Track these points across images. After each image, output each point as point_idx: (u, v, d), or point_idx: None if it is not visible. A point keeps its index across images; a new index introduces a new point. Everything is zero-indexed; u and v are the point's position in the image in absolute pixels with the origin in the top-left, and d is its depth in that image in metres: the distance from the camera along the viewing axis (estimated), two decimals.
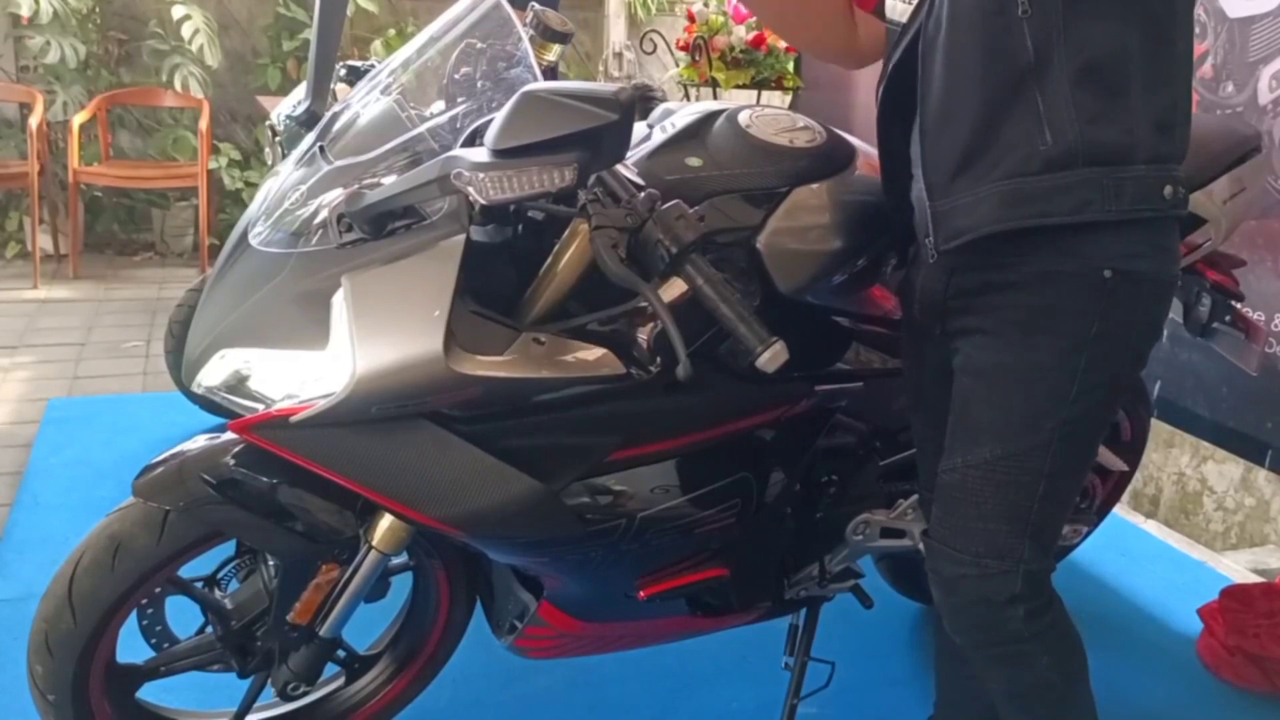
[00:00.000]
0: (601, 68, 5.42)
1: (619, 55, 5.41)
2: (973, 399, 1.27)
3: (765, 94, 4.21)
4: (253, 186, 4.91)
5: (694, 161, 1.41)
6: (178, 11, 4.58)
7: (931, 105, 1.21)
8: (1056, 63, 1.12)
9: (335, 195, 1.27)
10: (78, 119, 4.57)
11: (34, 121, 4.46)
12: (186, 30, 4.58)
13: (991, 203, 1.17)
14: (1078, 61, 1.12)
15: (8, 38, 4.73)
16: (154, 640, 1.50)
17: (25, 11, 4.33)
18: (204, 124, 4.70)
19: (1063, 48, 1.12)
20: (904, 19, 1.27)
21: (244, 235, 1.36)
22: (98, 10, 4.78)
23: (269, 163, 2.76)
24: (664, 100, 1.65)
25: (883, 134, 1.36)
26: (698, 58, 4.18)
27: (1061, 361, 1.22)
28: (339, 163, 1.33)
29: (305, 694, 1.56)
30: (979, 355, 1.27)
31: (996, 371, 1.25)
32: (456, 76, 1.39)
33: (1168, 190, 1.18)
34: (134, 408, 3.18)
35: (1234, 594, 2.26)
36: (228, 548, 1.50)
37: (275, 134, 2.57)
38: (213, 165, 4.81)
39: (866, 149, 1.53)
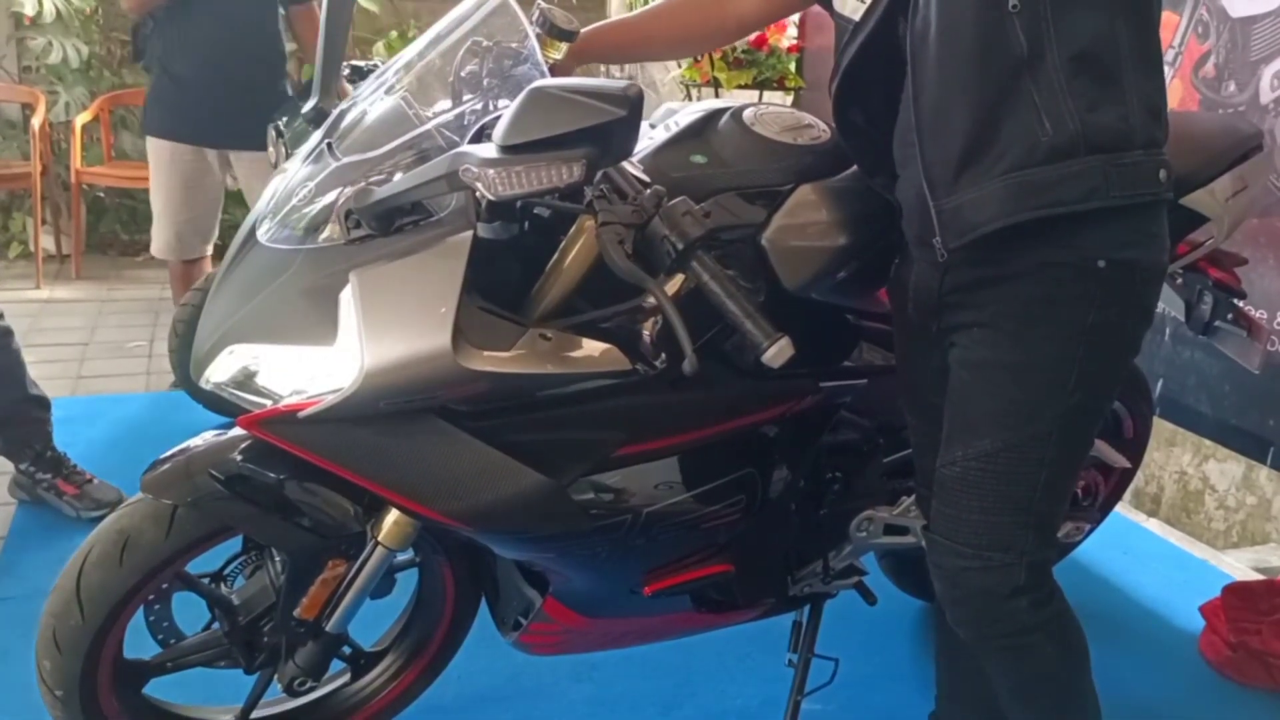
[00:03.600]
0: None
1: None
2: (971, 392, 1.28)
3: (767, 94, 4.22)
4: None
5: (699, 159, 1.42)
6: None
7: (926, 103, 1.21)
8: (1049, 54, 1.13)
9: (343, 191, 1.28)
10: (80, 120, 4.57)
11: (36, 122, 4.47)
12: None
13: (1001, 196, 1.17)
14: (1070, 52, 1.13)
15: (10, 38, 4.73)
16: (161, 636, 1.51)
17: (29, 11, 4.34)
18: None
19: (1054, 39, 1.13)
20: (855, 15, 1.28)
21: (252, 232, 1.36)
22: (100, 11, 4.78)
23: (273, 162, 2.76)
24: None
25: (842, 125, 1.37)
26: (699, 58, 4.19)
27: (1060, 352, 1.22)
28: (347, 159, 1.33)
29: (311, 690, 1.56)
30: (977, 349, 1.27)
31: (995, 364, 1.26)
32: (463, 74, 1.39)
33: (1162, 174, 1.20)
34: (138, 407, 3.19)
35: (1236, 591, 2.26)
36: (234, 544, 1.50)
37: (279, 133, 2.58)
38: None
39: None
